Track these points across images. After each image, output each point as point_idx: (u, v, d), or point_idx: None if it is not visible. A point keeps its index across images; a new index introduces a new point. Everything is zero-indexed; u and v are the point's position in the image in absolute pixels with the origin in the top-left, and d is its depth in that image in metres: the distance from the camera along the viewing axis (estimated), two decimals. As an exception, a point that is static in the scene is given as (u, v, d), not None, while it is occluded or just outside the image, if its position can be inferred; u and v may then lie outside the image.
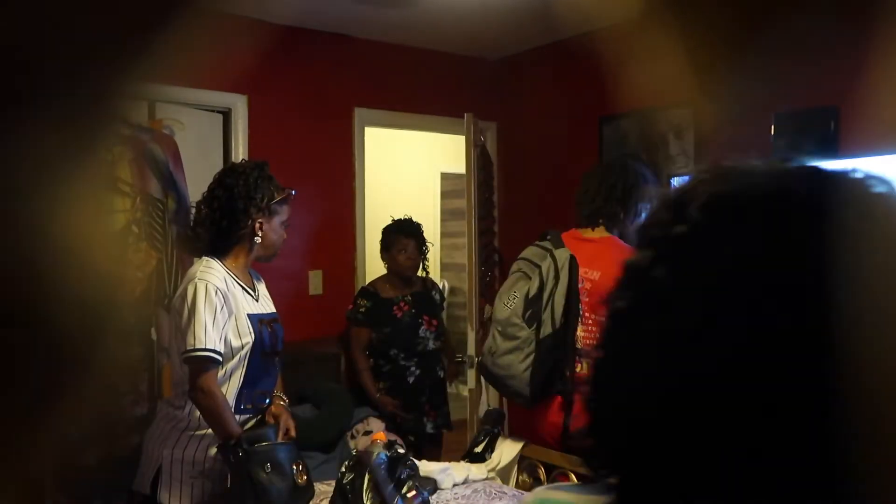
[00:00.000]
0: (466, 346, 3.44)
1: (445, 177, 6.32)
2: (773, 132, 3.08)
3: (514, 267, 2.47)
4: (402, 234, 3.45)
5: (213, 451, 2.11)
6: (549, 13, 3.50)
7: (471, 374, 3.40)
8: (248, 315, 2.17)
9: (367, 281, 4.10)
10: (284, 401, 2.29)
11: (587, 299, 2.31)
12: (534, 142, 4.37)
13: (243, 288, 2.20)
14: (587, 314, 2.31)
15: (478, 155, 3.59)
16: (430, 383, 3.46)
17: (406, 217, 3.56)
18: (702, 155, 3.51)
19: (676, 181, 2.58)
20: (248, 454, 1.98)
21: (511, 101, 4.47)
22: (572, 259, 2.32)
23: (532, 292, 2.34)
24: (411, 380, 3.41)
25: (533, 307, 2.32)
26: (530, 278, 2.36)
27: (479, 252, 3.51)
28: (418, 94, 4.21)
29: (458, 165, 5.89)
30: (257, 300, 2.26)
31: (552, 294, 2.30)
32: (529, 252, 2.45)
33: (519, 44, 4.25)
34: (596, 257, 2.31)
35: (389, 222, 3.56)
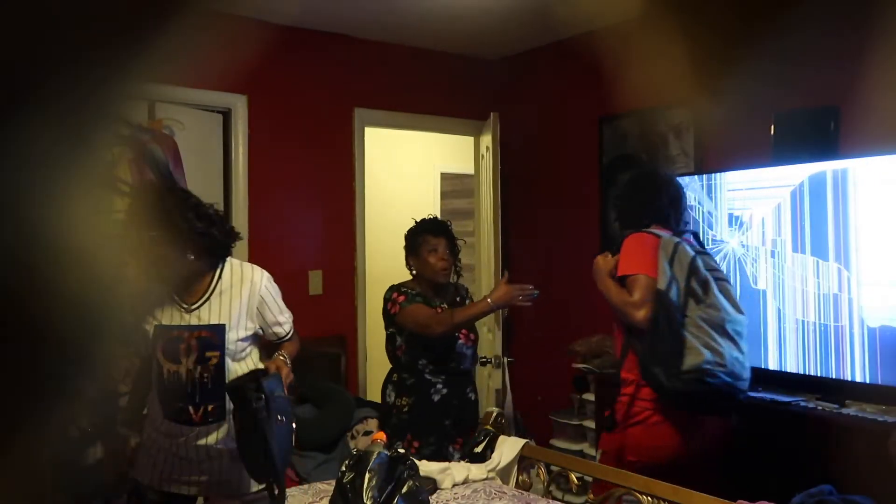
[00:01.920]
0: (493, 347, 3.47)
1: (445, 177, 6.31)
2: (773, 132, 3.08)
3: None
4: (431, 233, 2.90)
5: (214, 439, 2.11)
6: (549, 13, 3.51)
7: (496, 375, 3.39)
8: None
9: (367, 281, 4.07)
10: (284, 356, 2.26)
11: None
12: (534, 142, 4.37)
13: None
14: None
15: (499, 155, 3.70)
16: (458, 404, 2.90)
17: (430, 216, 3.04)
18: (702, 155, 3.51)
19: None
20: (267, 401, 1.95)
21: (511, 101, 4.47)
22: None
23: None
24: (436, 398, 2.86)
25: None
26: None
27: (498, 252, 3.59)
28: (418, 94, 4.22)
29: (459, 166, 5.88)
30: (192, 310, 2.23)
31: None
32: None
33: (519, 44, 4.25)
34: None
35: (412, 225, 3.00)
